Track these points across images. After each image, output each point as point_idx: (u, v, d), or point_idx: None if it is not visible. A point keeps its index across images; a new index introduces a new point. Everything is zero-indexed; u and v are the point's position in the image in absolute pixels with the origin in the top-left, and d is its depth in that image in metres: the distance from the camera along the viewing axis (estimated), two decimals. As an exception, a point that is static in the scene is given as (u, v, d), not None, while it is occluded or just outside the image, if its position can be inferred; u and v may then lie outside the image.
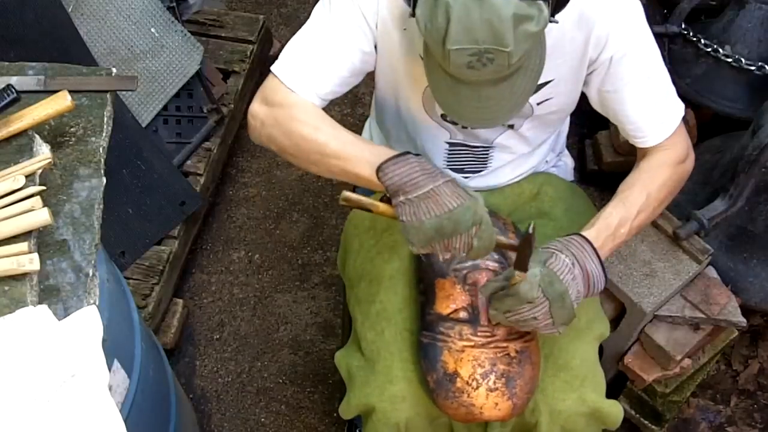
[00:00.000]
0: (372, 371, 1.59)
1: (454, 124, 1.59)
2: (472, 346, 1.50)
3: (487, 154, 1.66)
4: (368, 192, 1.67)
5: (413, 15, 1.29)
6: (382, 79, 1.58)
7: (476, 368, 1.49)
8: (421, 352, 1.56)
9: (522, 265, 1.39)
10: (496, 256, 1.55)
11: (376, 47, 1.49)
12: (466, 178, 1.69)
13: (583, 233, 1.48)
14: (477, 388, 1.48)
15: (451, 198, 1.34)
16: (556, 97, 1.54)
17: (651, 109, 1.54)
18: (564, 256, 1.42)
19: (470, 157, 1.67)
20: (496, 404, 1.49)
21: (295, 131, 1.44)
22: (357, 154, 1.42)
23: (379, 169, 1.37)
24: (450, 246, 1.37)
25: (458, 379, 1.49)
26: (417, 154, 1.39)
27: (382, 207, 1.41)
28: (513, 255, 1.46)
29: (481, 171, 1.70)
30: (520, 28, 1.21)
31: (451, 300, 1.54)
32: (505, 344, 1.50)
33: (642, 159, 1.59)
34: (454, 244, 1.37)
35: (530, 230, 1.36)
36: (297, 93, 1.46)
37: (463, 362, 1.49)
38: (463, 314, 1.53)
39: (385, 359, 1.59)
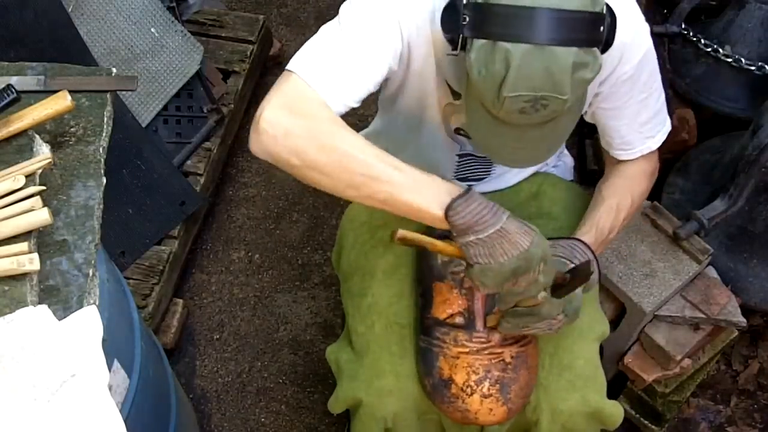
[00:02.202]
0: (360, 364, 1.60)
1: (468, 137, 1.58)
2: (467, 353, 1.50)
3: (491, 162, 1.67)
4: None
5: (456, 54, 1.25)
6: (403, 96, 1.53)
7: (470, 375, 1.49)
8: (419, 356, 1.57)
9: (562, 295, 1.38)
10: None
11: (402, 63, 1.43)
12: (470, 186, 1.69)
13: (583, 239, 1.51)
14: (471, 394, 1.49)
15: (521, 236, 1.27)
16: None
17: (643, 125, 1.56)
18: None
19: (476, 166, 1.67)
20: (491, 410, 1.49)
21: (338, 148, 1.28)
22: (416, 183, 1.29)
23: (449, 209, 1.27)
24: (517, 284, 1.31)
25: (453, 385, 1.50)
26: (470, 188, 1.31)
27: (441, 245, 1.34)
28: None
29: (484, 178, 1.70)
30: (576, 75, 1.20)
31: (448, 305, 1.54)
32: (500, 350, 1.50)
33: (620, 164, 1.63)
34: (522, 282, 1.30)
35: (591, 269, 1.36)
36: (330, 104, 1.32)
37: (458, 369, 1.50)
38: (459, 319, 1.53)
39: (374, 352, 1.59)
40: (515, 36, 1.17)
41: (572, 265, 1.45)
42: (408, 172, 1.30)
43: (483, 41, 1.20)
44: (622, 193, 1.60)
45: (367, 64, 1.35)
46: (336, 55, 1.34)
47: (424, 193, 1.29)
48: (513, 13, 1.17)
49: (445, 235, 1.34)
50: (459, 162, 1.65)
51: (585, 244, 1.50)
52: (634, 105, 1.51)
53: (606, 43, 1.25)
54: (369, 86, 1.37)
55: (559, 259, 1.46)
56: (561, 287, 1.39)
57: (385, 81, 1.50)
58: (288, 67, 1.34)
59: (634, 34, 1.42)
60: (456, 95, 1.48)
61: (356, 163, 1.28)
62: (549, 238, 1.50)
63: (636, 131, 1.56)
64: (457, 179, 1.68)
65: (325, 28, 1.38)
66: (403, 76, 1.48)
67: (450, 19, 1.26)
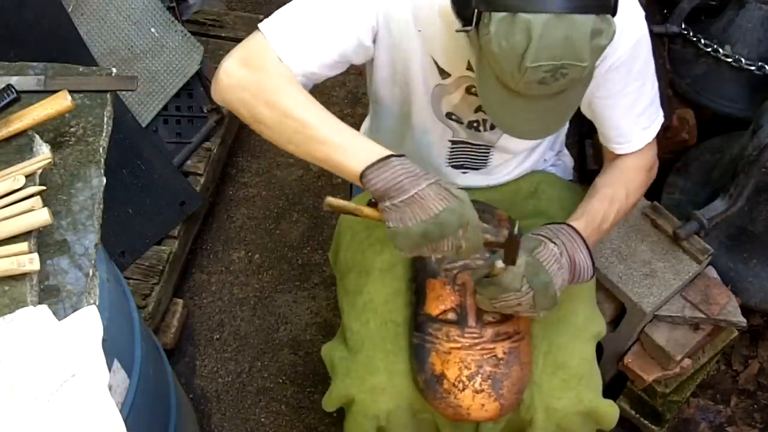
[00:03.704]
0: (354, 362, 1.60)
1: (459, 123, 1.59)
2: (459, 348, 1.50)
3: (487, 152, 1.66)
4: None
5: (468, 29, 1.26)
6: (388, 78, 1.55)
7: (462, 370, 1.49)
8: (413, 352, 1.57)
9: (510, 260, 1.41)
10: (487, 255, 1.55)
11: (381, 42, 1.45)
12: (464, 173, 1.70)
13: (572, 224, 1.50)
14: (463, 389, 1.49)
15: (436, 201, 1.29)
16: None
17: (638, 116, 1.55)
18: (553, 245, 1.44)
19: (471, 155, 1.67)
20: (483, 405, 1.50)
21: (281, 104, 1.35)
22: (349, 146, 1.34)
23: (362, 176, 1.31)
24: (438, 249, 1.34)
25: (445, 381, 1.50)
26: (400, 155, 1.33)
27: (368, 211, 1.37)
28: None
29: (480, 168, 1.70)
30: (594, 42, 1.21)
31: (441, 301, 1.54)
32: (492, 345, 1.50)
33: (616, 159, 1.63)
34: (442, 248, 1.33)
35: (516, 231, 1.38)
36: (286, 63, 1.37)
37: (450, 364, 1.50)
38: (451, 315, 1.53)
39: (368, 350, 1.59)
40: (535, 6, 1.18)
41: (548, 241, 1.45)
42: (344, 134, 1.35)
43: (502, 14, 1.20)
44: (617, 185, 1.60)
45: (332, 32, 1.39)
46: (302, 19, 1.39)
47: (355, 156, 1.33)
48: None
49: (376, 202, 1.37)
50: (452, 148, 1.65)
51: (574, 229, 1.49)
52: (629, 93, 1.51)
53: (613, 11, 1.26)
54: (332, 54, 1.40)
55: (538, 237, 1.46)
56: (507, 253, 1.40)
57: (372, 66, 1.52)
58: (258, 25, 1.39)
59: (627, 19, 1.42)
60: (444, 74, 1.49)
61: (296, 121, 1.34)
62: (545, 224, 1.51)
63: (632, 122, 1.56)
64: (452, 167, 1.68)
65: None
66: (389, 57, 1.49)
67: None
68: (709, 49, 2.21)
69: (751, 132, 1.95)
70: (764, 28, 2.18)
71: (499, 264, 1.40)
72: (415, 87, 1.54)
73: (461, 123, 1.58)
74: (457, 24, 1.29)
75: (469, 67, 1.46)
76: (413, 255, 1.37)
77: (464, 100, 1.53)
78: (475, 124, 1.58)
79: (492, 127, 1.59)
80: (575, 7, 1.19)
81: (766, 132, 1.89)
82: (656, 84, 1.55)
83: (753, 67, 2.18)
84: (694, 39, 2.24)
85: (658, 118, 1.59)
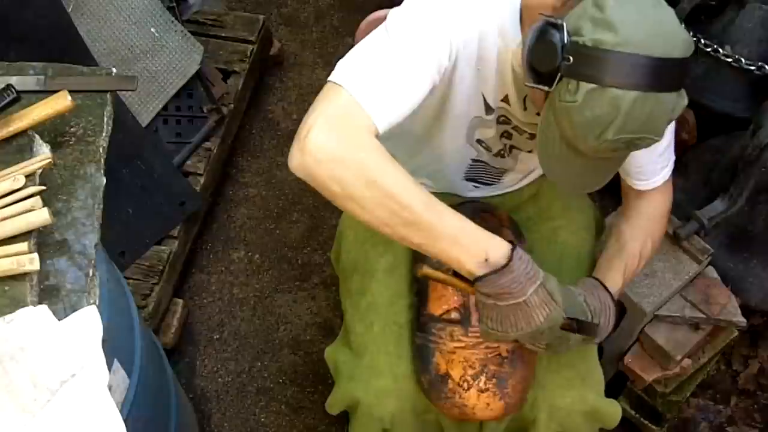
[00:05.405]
0: (358, 365, 1.60)
1: (487, 150, 1.57)
2: (463, 348, 1.51)
3: (504, 172, 1.67)
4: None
5: (544, 89, 1.23)
6: (428, 106, 1.44)
7: (467, 369, 1.50)
8: (416, 353, 1.57)
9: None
10: None
11: (445, 78, 1.37)
12: (476, 187, 1.70)
13: (608, 287, 1.51)
14: (468, 389, 1.49)
15: (539, 310, 1.28)
16: None
17: (659, 155, 1.55)
18: (595, 320, 1.45)
19: (488, 173, 1.67)
20: (488, 404, 1.50)
21: (383, 185, 1.22)
22: (456, 237, 1.26)
23: (479, 278, 1.26)
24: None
25: (449, 381, 1.50)
26: (515, 248, 1.27)
27: (462, 285, 1.36)
28: None
29: (492, 185, 1.71)
30: (671, 116, 1.23)
31: (443, 301, 1.54)
32: (496, 344, 1.50)
33: (640, 201, 1.62)
34: (525, 344, 1.38)
35: (595, 321, 1.43)
36: (376, 123, 1.24)
37: (454, 364, 1.50)
38: (454, 315, 1.53)
39: (372, 353, 1.59)
40: (626, 83, 1.17)
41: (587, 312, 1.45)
42: (448, 222, 1.26)
43: (592, 86, 1.18)
44: (644, 238, 1.61)
45: (415, 81, 1.29)
46: (384, 70, 1.26)
47: (462, 247, 1.26)
48: (624, 61, 1.16)
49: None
50: (471, 165, 1.64)
51: (608, 291, 1.50)
52: None
53: None
54: (414, 104, 1.30)
55: (587, 310, 1.45)
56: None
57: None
58: (334, 78, 1.26)
59: None
60: (489, 111, 1.47)
61: (398, 205, 1.23)
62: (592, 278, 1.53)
63: (652, 158, 1.55)
64: (466, 179, 1.68)
65: (372, 39, 1.30)
66: (445, 91, 1.42)
67: (545, 56, 1.22)
68: (709, 49, 2.21)
69: (751, 132, 1.96)
70: (764, 28, 2.18)
71: None
72: (454, 117, 1.48)
73: (489, 151, 1.58)
74: (510, 70, 1.29)
75: (504, 99, 1.44)
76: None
77: (497, 132, 1.52)
78: (501, 152, 1.58)
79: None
80: (663, 86, 1.19)
81: (766, 132, 1.89)
82: (673, 125, 1.54)
83: (753, 67, 2.17)
84: (694, 39, 2.24)
85: (672, 158, 1.59)
